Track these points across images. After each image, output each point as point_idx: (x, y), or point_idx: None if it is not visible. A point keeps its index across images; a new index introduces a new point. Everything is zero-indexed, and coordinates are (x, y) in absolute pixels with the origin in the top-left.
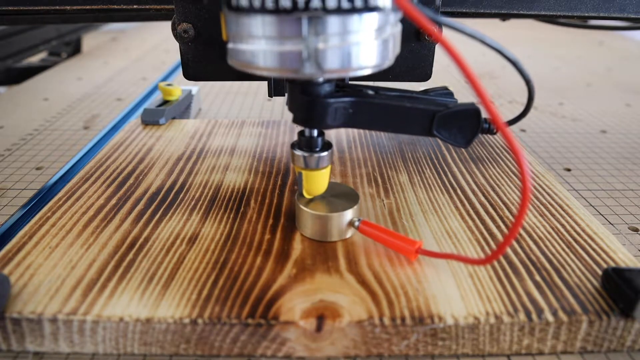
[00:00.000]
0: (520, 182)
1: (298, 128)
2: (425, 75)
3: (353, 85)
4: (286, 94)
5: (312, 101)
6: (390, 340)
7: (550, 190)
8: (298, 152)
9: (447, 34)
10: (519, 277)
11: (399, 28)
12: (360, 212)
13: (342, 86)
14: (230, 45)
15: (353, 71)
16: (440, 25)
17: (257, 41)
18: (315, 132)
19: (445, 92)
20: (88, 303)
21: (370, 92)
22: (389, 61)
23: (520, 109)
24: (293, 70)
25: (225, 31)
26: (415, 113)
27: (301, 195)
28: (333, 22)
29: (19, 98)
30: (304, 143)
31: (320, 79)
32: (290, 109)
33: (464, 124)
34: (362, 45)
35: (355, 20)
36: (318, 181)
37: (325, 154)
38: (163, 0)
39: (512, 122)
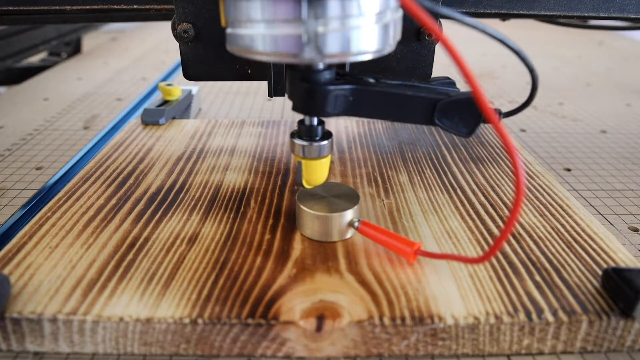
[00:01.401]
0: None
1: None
2: (426, 76)
3: (354, 73)
4: (286, 81)
5: (312, 88)
6: (390, 340)
7: (550, 190)
8: (298, 141)
9: (449, 32)
10: (519, 277)
11: (399, 14)
12: (360, 212)
13: (342, 74)
14: (229, 31)
15: (353, 56)
16: (439, 16)
17: (256, 25)
18: (315, 121)
19: (448, 81)
20: (88, 303)
21: (371, 80)
22: (390, 47)
23: None
24: (292, 55)
25: (223, 17)
26: (416, 101)
27: (301, 185)
28: (333, 5)
29: (19, 98)
30: (304, 132)
31: (321, 66)
32: (290, 97)
33: (466, 113)
34: (363, 30)
35: (355, 3)
36: (318, 171)
37: (325, 142)
38: (163, 0)
39: (516, 110)
